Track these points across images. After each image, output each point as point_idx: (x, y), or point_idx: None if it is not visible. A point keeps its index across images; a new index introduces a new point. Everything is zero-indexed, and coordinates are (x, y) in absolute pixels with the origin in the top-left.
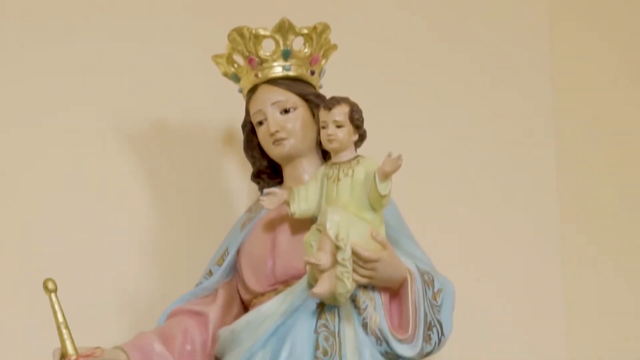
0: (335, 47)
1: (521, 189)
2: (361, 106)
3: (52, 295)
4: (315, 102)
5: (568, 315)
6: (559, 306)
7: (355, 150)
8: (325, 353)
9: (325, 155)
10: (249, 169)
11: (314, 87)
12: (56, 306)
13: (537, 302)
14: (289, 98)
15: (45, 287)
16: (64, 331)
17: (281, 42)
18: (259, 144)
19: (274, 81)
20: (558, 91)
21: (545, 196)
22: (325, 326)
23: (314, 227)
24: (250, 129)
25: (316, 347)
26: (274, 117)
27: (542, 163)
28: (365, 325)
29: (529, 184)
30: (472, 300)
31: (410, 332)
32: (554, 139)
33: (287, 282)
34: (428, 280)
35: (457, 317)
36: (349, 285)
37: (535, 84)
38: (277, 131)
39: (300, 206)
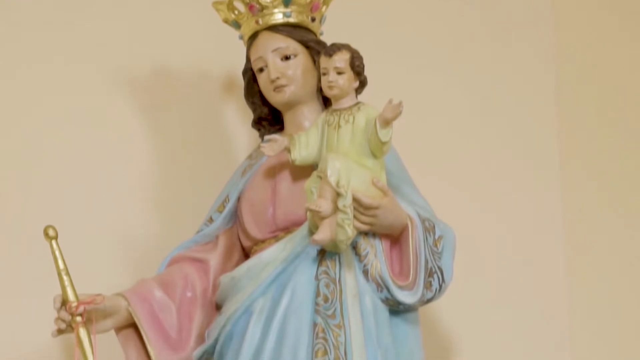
0: None
1: (522, 133)
2: (362, 53)
3: (53, 242)
4: (315, 48)
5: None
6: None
7: (356, 97)
8: (325, 299)
9: (325, 102)
10: (249, 116)
11: (314, 34)
12: (57, 253)
13: (537, 239)
14: (290, 45)
15: (46, 234)
16: (65, 278)
17: None
18: (259, 91)
19: (274, 28)
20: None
21: (544, 134)
22: (326, 273)
23: (314, 173)
24: (251, 76)
25: (317, 294)
26: (274, 64)
27: (542, 104)
28: (366, 272)
29: (529, 126)
30: (473, 244)
31: (411, 278)
32: (557, 96)
33: (287, 229)
34: (429, 227)
35: (458, 262)
36: (350, 232)
37: (536, 29)
38: (277, 78)
39: (301, 153)
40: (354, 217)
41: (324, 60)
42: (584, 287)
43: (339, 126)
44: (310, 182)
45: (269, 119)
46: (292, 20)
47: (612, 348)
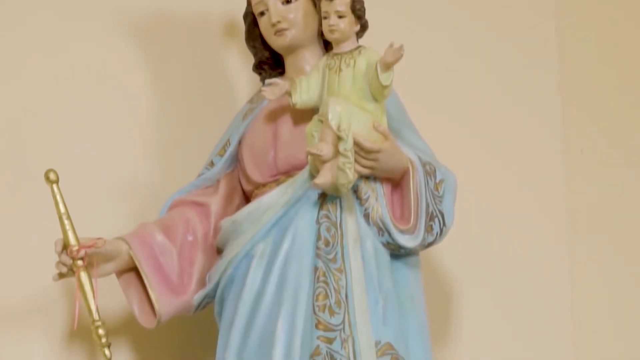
0: None
1: (523, 74)
2: None
3: (54, 186)
4: None
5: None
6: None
7: (357, 40)
8: (326, 243)
9: (326, 46)
10: (250, 60)
11: None
12: (58, 197)
13: (538, 181)
14: None
15: (47, 178)
16: (66, 222)
17: None
18: (260, 35)
19: None
20: None
21: (546, 74)
22: (327, 217)
23: (315, 117)
24: (251, 20)
25: (318, 238)
26: (275, 8)
27: (543, 45)
28: (367, 216)
29: (531, 66)
30: (474, 188)
31: (412, 222)
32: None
33: (288, 173)
34: (430, 171)
35: (459, 205)
36: (351, 175)
37: None
38: (278, 22)
39: (302, 97)
40: (355, 160)
41: (324, 4)
42: (584, 226)
43: (340, 70)
44: (311, 126)
45: (270, 63)
46: None
47: (612, 289)
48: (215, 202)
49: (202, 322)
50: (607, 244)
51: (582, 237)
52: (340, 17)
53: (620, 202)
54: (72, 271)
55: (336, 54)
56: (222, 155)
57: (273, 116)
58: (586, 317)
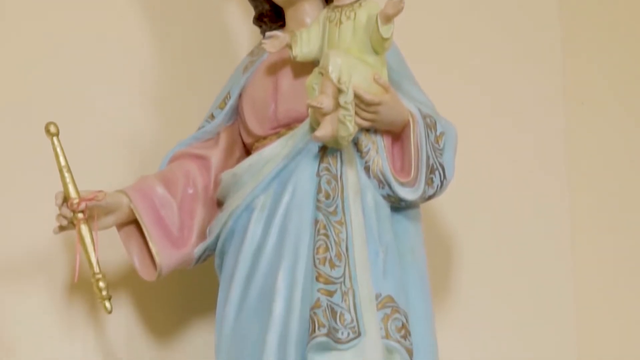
0: None
1: (523, 22)
2: None
3: (54, 138)
4: None
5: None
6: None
7: None
8: (327, 196)
9: None
10: (250, 13)
11: None
12: (58, 150)
13: (538, 131)
14: None
15: (47, 131)
16: (66, 175)
17: None
18: None
19: None
20: None
21: (546, 24)
22: (328, 169)
23: (316, 70)
24: None
25: (318, 190)
26: None
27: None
28: (367, 169)
29: (531, 14)
30: (474, 140)
31: (412, 175)
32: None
33: (289, 126)
34: (430, 124)
35: (460, 158)
36: (351, 128)
37: None
38: None
39: (303, 49)
40: (356, 113)
41: None
42: (584, 177)
43: (341, 22)
44: (312, 79)
45: (271, 15)
46: None
47: (612, 238)
48: (215, 155)
49: (202, 275)
50: (607, 194)
51: (583, 187)
52: None
53: (620, 152)
54: (72, 224)
55: (337, 7)
56: (222, 108)
57: (273, 69)
58: (587, 267)
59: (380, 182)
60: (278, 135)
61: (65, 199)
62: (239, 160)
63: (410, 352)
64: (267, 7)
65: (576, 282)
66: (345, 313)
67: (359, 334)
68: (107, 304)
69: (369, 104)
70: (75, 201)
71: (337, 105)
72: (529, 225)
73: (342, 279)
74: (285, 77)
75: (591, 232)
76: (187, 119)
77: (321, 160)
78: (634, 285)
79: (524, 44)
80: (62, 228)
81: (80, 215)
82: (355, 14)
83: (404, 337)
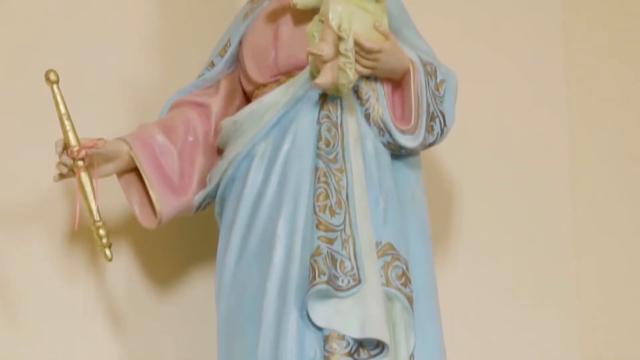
0: None
1: None
2: None
3: (54, 86)
4: None
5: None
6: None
7: None
8: (327, 144)
9: None
10: None
11: None
12: (58, 98)
13: (538, 81)
14: None
15: (47, 79)
16: (67, 122)
17: None
18: None
19: None
20: None
21: None
22: (328, 117)
23: (316, 17)
24: None
25: (318, 138)
26: None
27: None
28: (367, 116)
29: None
30: (475, 87)
31: (412, 122)
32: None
33: (289, 73)
34: (430, 71)
35: (460, 105)
36: (351, 75)
37: None
38: None
39: None
40: (356, 61)
41: None
42: (584, 121)
43: None
44: (312, 26)
45: None
46: None
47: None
48: (215, 103)
49: (202, 222)
50: (608, 136)
51: (583, 130)
52: None
53: (620, 95)
54: (72, 172)
55: None
56: (222, 56)
57: (274, 16)
58: (587, 203)
59: (380, 129)
60: (278, 82)
61: (66, 146)
62: (239, 108)
63: (410, 300)
64: None
65: (576, 220)
66: (345, 261)
67: (359, 282)
68: (108, 252)
69: (369, 51)
70: (76, 149)
71: (337, 53)
72: (530, 170)
73: (342, 227)
74: (286, 24)
75: (591, 173)
76: (187, 67)
77: (321, 108)
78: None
79: None
80: (62, 176)
81: (80, 163)
82: None
83: (404, 284)
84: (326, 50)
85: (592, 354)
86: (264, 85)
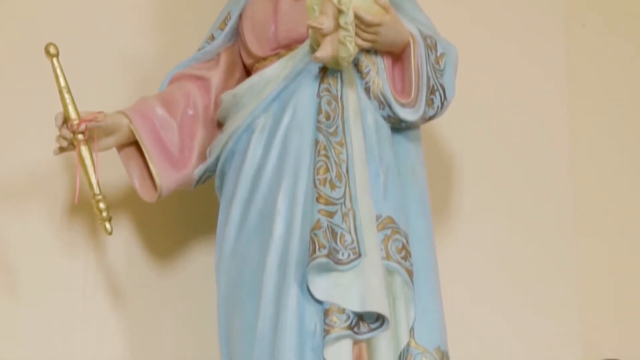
0: None
1: None
2: None
3: (54, 59)
4: None
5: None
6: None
7: None
8: (327, 117)
9: None
10: None
11: None
12: (58, 71)
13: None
14: None
15: (47, 52)
16: (66, 96)
17: None
18: None
19: None
20: None
21: None
22: (328, 90)
23: None
24: None
25: (318, 111)
26: None
27: None
28: (367, 90)
29: None
30: (475, 61)
31: (412, 96)
32: None
33: (289, 47)
34: (431, 45)
35: (461, 79)
36: (352, 49)
37: None
38: None
39: None
40: (356, 34)
41: None
42: (585, 100)
43: None
44: (312, 0)
45: None
46: None
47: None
48: (215, 76)
49: (202, 196)
50: (608, 114)
51: (583, 111)
52: None
53: (621, 71)
54: (72, 145)
55: None
56: (222, 29)
57: None
58: (586, 168)
59: (380, 103)
60: (278, 56)
61: (65, 120)
62: (239, 82)
63: (410, 273)
64: None
65: (576, 191)
66: (345, 234)
67: (360, 255)
68: (108, 225)
69: (369, 24)
70: (75, 122)
71: (338, 26)
72: (529, 143)
73: (342, 200)
74: None
75: (591, 145)
76: (187, 40)
77: (321, 81)
78: None
79: None
80: (62, 149)
81: (80, 137)
82: None
83: (404, 258)
84: (326, 23)
85: (593, 321)
86: (264, 59)
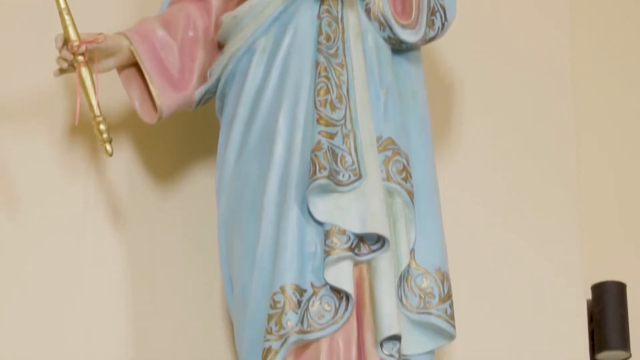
0: None
1: None
2: None
3: None
4: None
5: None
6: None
7: None
8: (328, 38)
9: None
10: None
11: None
12: None
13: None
14: None
15: None
16: (66, 17)
17: None
18: None
19: None
20: None
21: None
22: (328, 12)
23: None
24: None
25: (319, 33)
26: None
27: None
28: (368, 11)
29: None
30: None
31: (413, 17)
32: None
33: None
34: None
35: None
36: None
37: None
38: None
39: None
40: None
41: None
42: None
43: None
44: None
45: None
46: None
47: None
48: None
49: (203, 117)
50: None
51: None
52: None
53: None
54: (72, 67)
55: None
56: None
57: None
58: (588, 100)
59: (381, 24)
60: None
61: (66, 41)
62: (239, 3)
63: (410, 194)
64: None
65: (576, 108)
66: (346, 155)
67: (360, 176)
68: (108, 147)
69: None
70: (76, 43)
71: None
72: (530, 65)
73: (342, 121)
74: None
75: (592, 86)
76: None
77: (322, 3)
78: None
79: None
80: (62, 71)
81: (80, 58)
82: None
83: (405, 179)
84: None
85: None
86: None
